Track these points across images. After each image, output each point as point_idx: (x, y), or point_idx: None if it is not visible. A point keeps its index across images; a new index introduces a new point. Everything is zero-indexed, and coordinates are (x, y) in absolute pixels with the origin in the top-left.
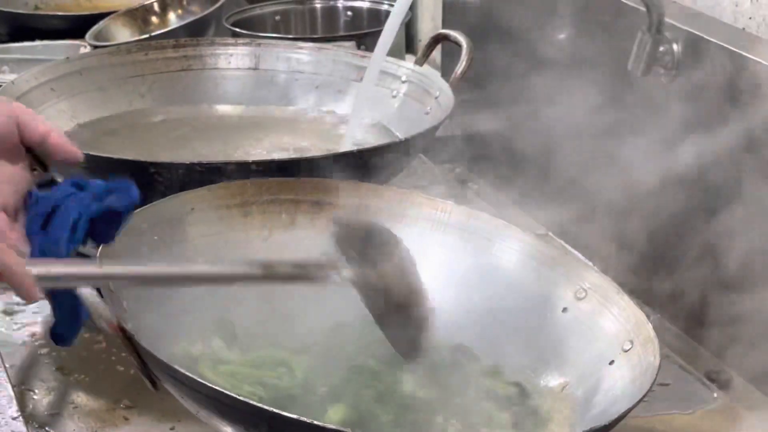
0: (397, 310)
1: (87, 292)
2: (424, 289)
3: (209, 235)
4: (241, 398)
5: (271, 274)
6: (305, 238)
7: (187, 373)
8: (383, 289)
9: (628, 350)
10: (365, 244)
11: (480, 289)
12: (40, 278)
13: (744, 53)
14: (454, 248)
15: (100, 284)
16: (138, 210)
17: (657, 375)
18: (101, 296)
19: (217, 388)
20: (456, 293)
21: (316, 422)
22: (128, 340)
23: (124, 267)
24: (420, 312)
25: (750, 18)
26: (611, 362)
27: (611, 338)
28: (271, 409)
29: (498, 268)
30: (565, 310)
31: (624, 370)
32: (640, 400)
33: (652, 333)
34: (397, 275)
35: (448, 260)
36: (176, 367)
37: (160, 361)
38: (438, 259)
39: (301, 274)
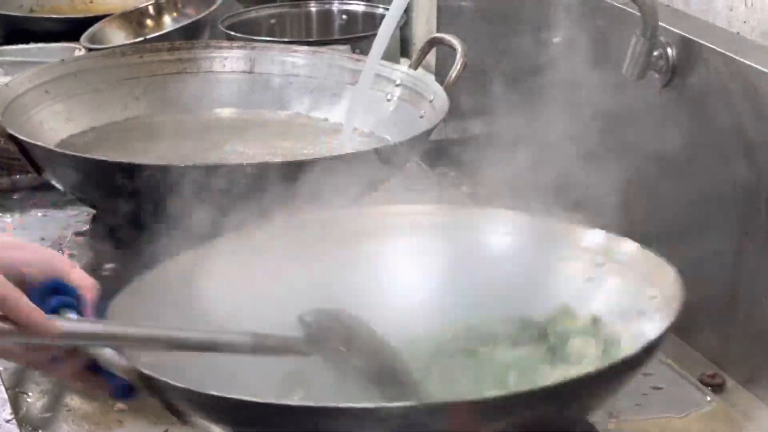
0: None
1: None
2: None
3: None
4: (274, 402)
5: (260, 347)
6: (341, 266)
7: (201, 390)
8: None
9: (654, 297)
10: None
11: (499, 287)
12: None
13: (738, 57)
14: (466, 251)
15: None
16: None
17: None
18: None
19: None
20: (475, 299)
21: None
22: (147, 381)
23: (128, 327)
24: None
25: (744, 22)
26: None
27: (636, 292)
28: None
29: (511, 257)
30: (590, 280)
31: (654, 317)
32: (674, 323)
33: (674, 274)
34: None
35: (460, 265)
36: (194, 389)
37: (179, 389)
38: (451, 266)
39: (289, 348)
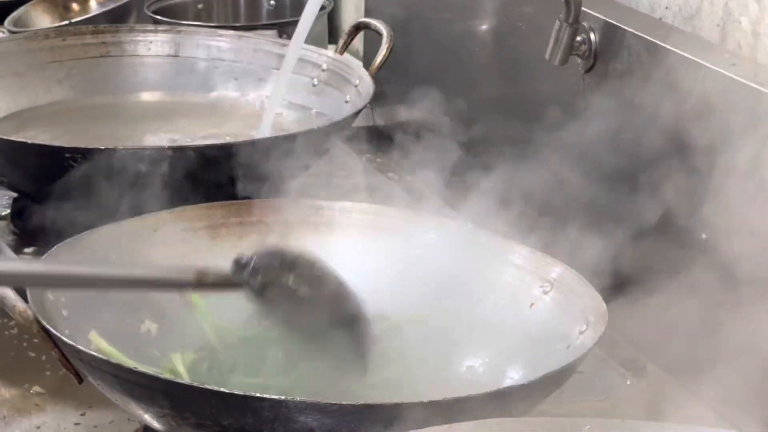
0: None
1: None
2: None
3: (173, 257)
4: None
5: (202, 282)
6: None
7: (93, 353)
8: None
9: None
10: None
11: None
12: None
13: (660, 43)
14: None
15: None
16: (95, 229)
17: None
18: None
19: (121, 363)
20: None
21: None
22: (45, 332)
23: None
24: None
25: (666, 8)
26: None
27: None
28: (191, 383)
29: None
30: (532, 305)
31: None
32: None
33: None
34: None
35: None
36: (83, 348)
37: (73, 348)
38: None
39: (230, 283)
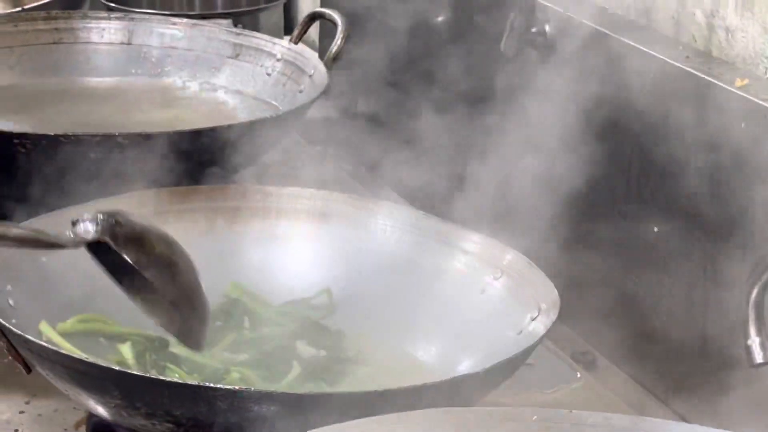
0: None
1: None
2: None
3: None
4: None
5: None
6: (225, 243)
7: (43, 343)
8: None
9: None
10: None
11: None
12: None
13: (613, 34)
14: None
15: None
16: (39, 216)
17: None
18: None
19: (72, 354)
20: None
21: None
22: None
23: None
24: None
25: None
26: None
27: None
28: (139, 373)
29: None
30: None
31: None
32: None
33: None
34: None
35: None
36: (32, 338)
37: (22, 338)
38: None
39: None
